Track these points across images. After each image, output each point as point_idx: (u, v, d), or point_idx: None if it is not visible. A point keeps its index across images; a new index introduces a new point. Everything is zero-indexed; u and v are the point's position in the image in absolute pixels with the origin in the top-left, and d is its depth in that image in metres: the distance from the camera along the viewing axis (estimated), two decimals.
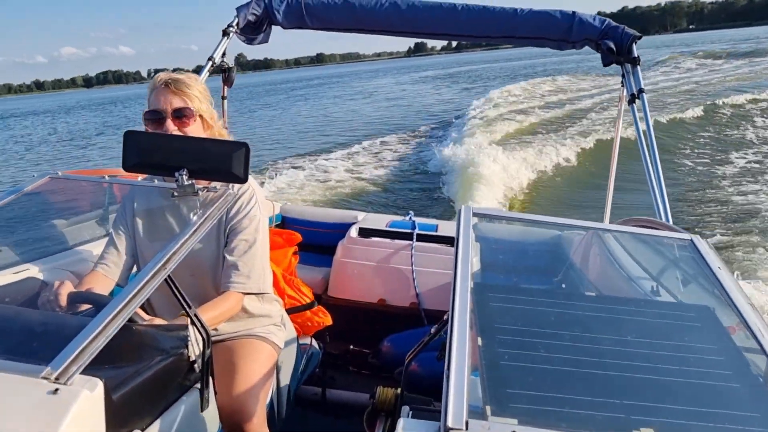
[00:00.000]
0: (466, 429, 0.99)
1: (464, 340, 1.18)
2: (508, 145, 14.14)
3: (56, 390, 1.13)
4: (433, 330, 1.75)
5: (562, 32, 3.37)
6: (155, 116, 2.00)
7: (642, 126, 3.03)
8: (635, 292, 1.80)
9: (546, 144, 14.01)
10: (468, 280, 1.37)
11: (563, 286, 1.94)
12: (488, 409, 1.07)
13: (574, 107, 20.99)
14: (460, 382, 1.09)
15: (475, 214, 1.66)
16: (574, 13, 3.38)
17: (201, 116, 2.06)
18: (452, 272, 3.35)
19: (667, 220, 2.59)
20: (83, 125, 38.51)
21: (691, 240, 1.67)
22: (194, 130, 2.03)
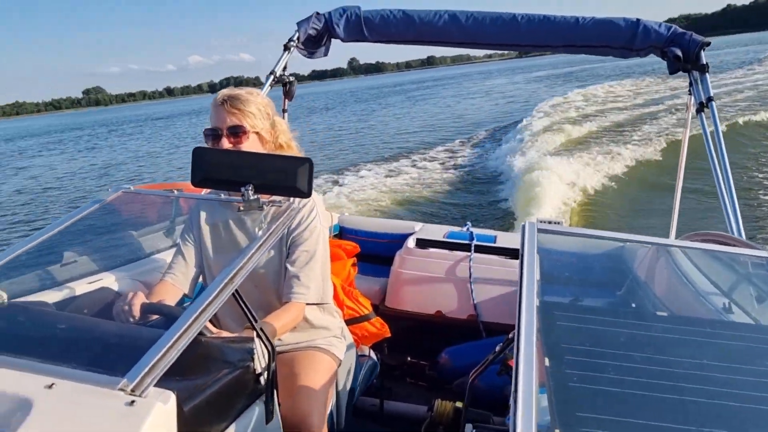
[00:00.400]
0: None
1: (531, 361, 1.16)
2: (569, 152, 13.86)
3: (132, 402, 1.17)
4: (498, 348, 1.73)
5: (626, 40, 3.29)
6: (212, 133, 2.07)
7: (711, 135, 2.91)
8: (709, 312, 1.72)
9: (608, 152, 13.65)
10: (534, 298, 1.35)
11: (632, 304, 1.87)
12: None
13: (638, 112, 20.41)
14: (528, 404, 1.07)
15: (539, 230, 1.63)
16: (638, 20, 3.29)
17: (258, 132, 2.11)
18: (512, 286, 3.30)
19: (740, 236, 2.48)
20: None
21: None
22: (249, 146, 2.08)
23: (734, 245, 1.78)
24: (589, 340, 1.32)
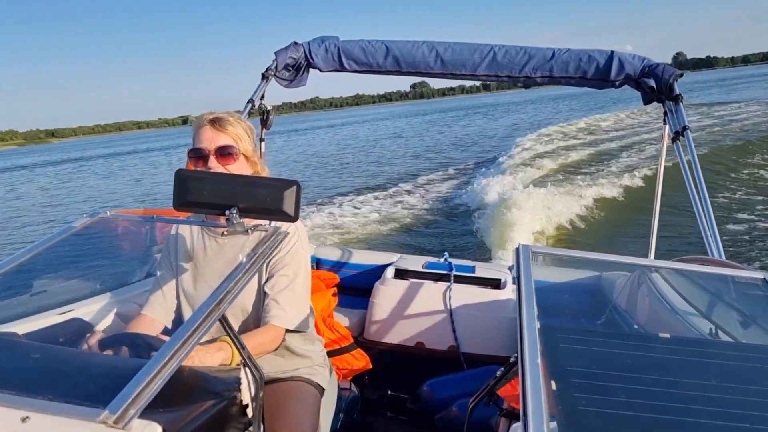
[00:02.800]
0: None
1: (538, 385, 1.11)
2: (543, 183, 14.08)
3: None
4: (499, 373, 1.68)
5: (602, 72, 3.35)
6: (198, 154, 2.01)
7: (688, 163, 2.96)
8: (705, 334, 1.71)
9: (582, 183, 13.92)
10: (535, 321, 1.31)
11: (632, 326, 1.85)
12: None
13: (612, 145, 20.96)
14: (540, 430, 1.02)
15: (533, 252, 1.60)
16: (612, 52, 3.36)
17: (245, 155, 2.06)
18: (493, 316, 3.26)
19: (720, 257, 2.50)
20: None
21: (764, 278, 1.59)
22: (237, 168, 2.03)
23: (727, 267, 1.78)
24: (594, 363, 1.29)
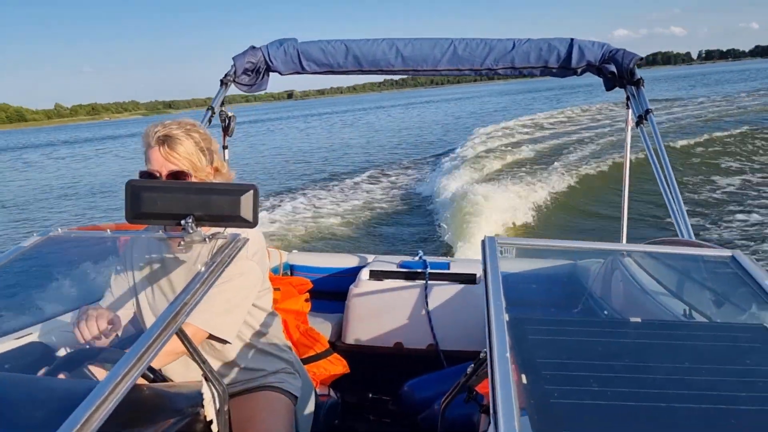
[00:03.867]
0: None
1: (508, 379, 1.07)
2: (504, 176, 14.11)
3: None
4: (469, 370, 1.64)
5: (563, 60, 3.34)
6: (151, 178, 1.93)
7: (653, 146, 2.96)
8: (679, 316, 1.69)
9: (544, 174, 13.97)
10: (503, 314, 1.27)
11: (602, 312, 1.82)
12: None
13: (577, 137, 21.09)
14: (511, 426, 0.98)
15: (500, 244, 1.57)
16: (572, 40, 3.36)
17: (197, 175, 1.98)
18: (469, 311, 3.24)
19: (690, 238, 2.50)
20: None
21: (732, 256, 1.57)
22: None
23: (696, 247, 1.76)
24: (565, 352, 1.25)
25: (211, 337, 1.90)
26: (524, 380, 1.14)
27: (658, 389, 1.13)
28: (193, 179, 1.96)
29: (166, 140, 1.93)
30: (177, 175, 1.93)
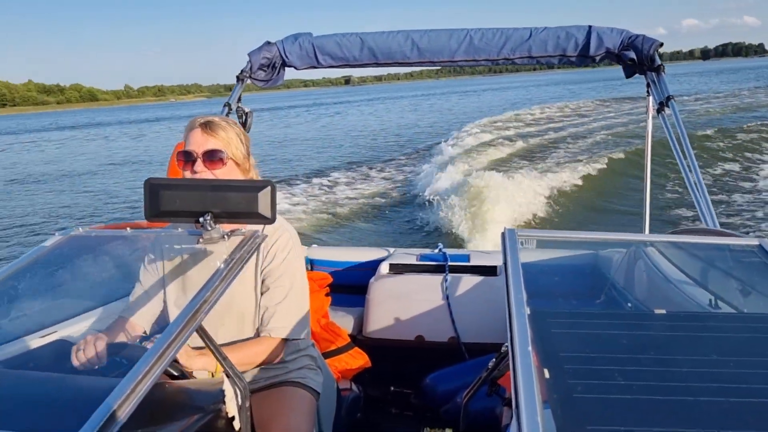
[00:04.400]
0: None
1: (530, 373, 1.06)
2: (515, 165, 13.92)
3: None
4: (490, 365, 1.62)
5: (581, 48, 3.29)
6: (187, 157, 1.94)
7: (675, 134, 2.91)
8: (705, 307, 1.65)
9: (561, 162, 13.79)
10: (524, 307, 1.25)
11: (626, 305, 1.79)
12: None
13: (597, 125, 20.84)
14: (534, 422, 0.96)
15: (520, 236, 1.55)
16: (590, 27, 3.30)
17: (234, 160, 2.00)
18: (490, 304, 3.22)
19: (715, 226, 2.45)
20: None
21: (760, 244, 1.54)
22: (225, 173, 1.96)
23: (721, 236, 1.72)
24: (588, 346, 1.23)
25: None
26: (547, 374, 1.12)
27: (684, 383, 1.10)
28: (228, 165, 1.97)
29: (208, 124, 1.97)
30: (213, 155, 1.93)
